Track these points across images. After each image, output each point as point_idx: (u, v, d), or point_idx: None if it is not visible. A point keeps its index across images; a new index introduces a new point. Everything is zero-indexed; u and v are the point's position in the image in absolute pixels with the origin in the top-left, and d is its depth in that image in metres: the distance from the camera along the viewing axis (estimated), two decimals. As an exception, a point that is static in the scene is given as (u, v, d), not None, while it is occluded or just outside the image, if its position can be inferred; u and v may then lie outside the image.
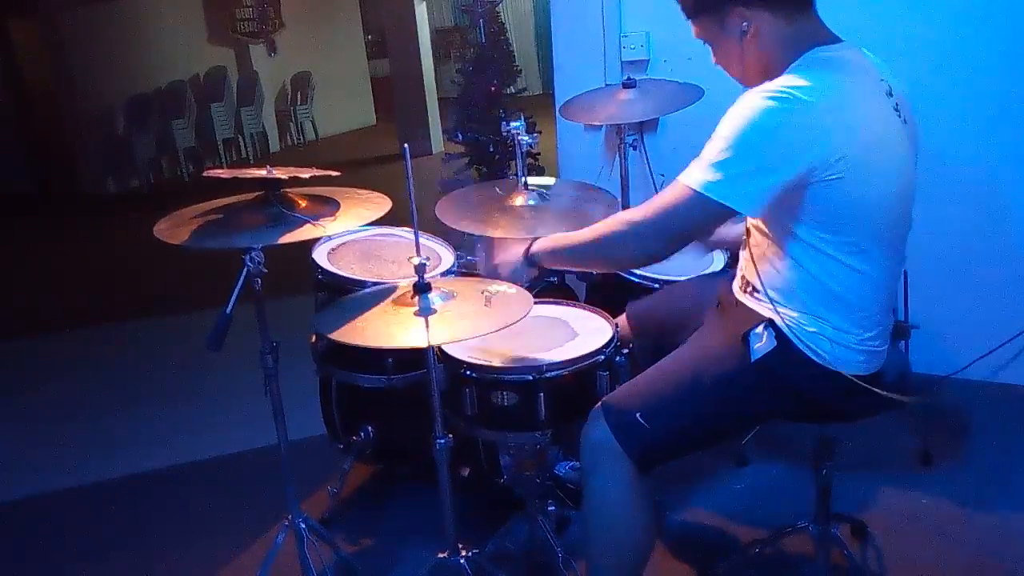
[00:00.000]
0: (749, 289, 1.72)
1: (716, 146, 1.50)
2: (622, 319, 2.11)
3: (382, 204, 1.96)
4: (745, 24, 1.57)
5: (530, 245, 1.81)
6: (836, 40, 1.60)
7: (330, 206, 1.91)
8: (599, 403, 1.73)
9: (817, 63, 1.54)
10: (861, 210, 1.53)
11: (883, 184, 1.55)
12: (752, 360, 1.65)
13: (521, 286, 1.83)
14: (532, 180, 2.30)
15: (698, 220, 1.55)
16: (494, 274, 1.89)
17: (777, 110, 1.46)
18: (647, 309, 2.11)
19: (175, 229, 1.83)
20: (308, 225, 1.81)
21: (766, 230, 1.64)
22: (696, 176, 1.51)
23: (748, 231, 1.73)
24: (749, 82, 1.65)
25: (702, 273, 2.32)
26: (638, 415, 1.65)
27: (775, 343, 1.65)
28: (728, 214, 1.51)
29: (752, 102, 1.48)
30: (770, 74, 1.58)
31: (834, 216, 1.52)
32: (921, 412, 2.78)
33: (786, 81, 1.49)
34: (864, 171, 1.50)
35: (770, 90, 1.48)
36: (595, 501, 1.73)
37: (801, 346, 1.63)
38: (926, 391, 2.87)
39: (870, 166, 1.51)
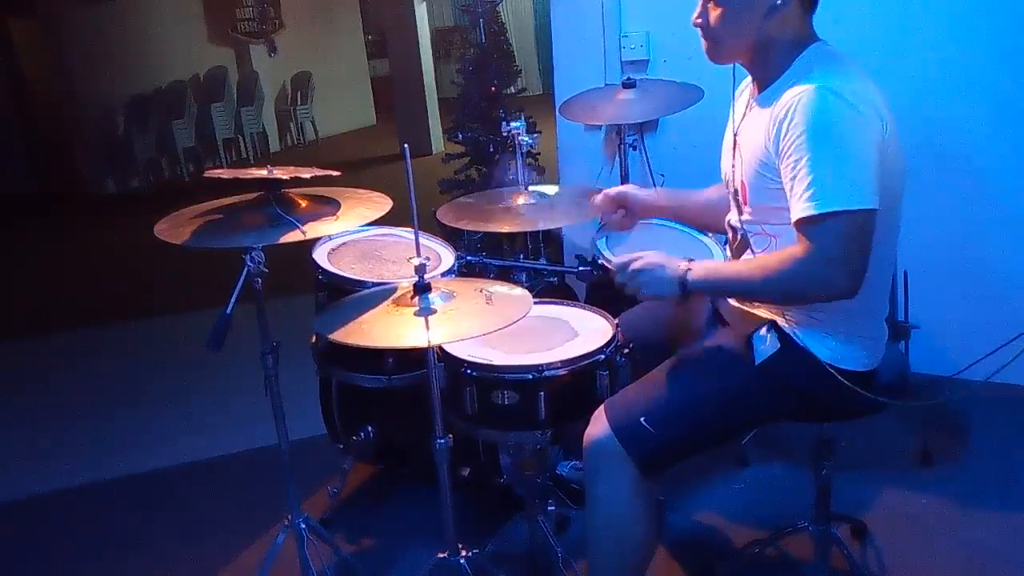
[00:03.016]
0: None
1: (829, 160, 1.45)
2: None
3: (382, 204, 1.96)
4: (780, 1, 1.55)
5: (687, 272, 1.63)
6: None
7: (331, 206, 1.91)
8: (602, 406, 1.73)
9: (834, 59, 1.56)
10: (887, 198, 1.53)
11: (900, 171, 1.58)
12: (757, 363, 1.66)
13: (653, 299, 1.69)
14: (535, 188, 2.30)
15: (868, 236, 1.47)
16: (632, 279, 1.67)
17: (850, 107, 1.46)
18: (639, 318, 2.10)
19: (176, 229, 1.83)
20: (309, 224, 1.81)
21: (772, 233, 1.63)
22: (840, 196, 1.44)
23: (741, 238, 1.72)
24: (726, 57, 1.65)
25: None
26: (643, 420, 1.65)
27: (779, 344, 1.65)
28: (874, 217, 1.47)
29: (826, 107, 1.46)
30: (766, 59, 1.60)
31: None
32: (921, 412, 2.78)
33: (828, 81, 1.49)
34: (892, 158, 1.53)
35: (831, 91, 1.47)
36: (598, 505, 1.72)
37: (805, 345, 1.64)
38: (926, 391, 2.87)
39: (894, 153, 1.54)
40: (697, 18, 1.64)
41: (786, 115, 1.50)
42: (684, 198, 2.01)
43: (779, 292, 1.57)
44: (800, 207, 1.47)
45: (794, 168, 1.49)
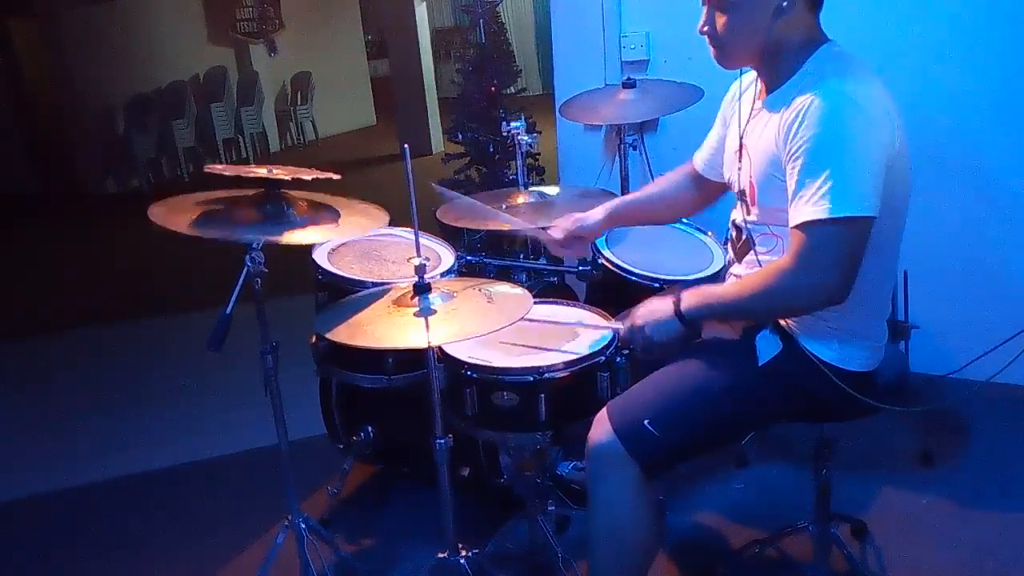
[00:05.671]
0: None
1: (842, 165, 1.45)
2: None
3: (379, 216, 1.97)
4: (786, 2, 1.54)
5: (678, 302, 1.66)
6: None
7: (330, 213, 1.91)
8: (604, 409, 1.72)
9: (846, 61, 1.56)
10: (895, 201, 1.54)
11: (907, 174, 1.58)
12: (760, 364, 1.66)
13: (665, 345, 1.70)
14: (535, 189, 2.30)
15: (864, 243, 1.48)
16: (639, 334, 1.71)
17: (863, 113, 1.46)
18: None
19: (174, 215, 1.81)
20: (308, 228, 1.81)
21: (779, 233, 1.63)
22: (852, 202, 1.44)
23: (746, 237, 1.72)
24: (735, 62, 1.65)
25: (699, 275, 2.32)
26: (647, 422, 1.64)
27: (781, 345, 1.65)
28: (872, 225, 1.48)
29: (839, 112, 1.46)
30: (776, 61, 1.59)
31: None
32: (921, 412, 2.78)
33: (841, 85, 1.49)
34: (901, 161, 1.53)
35: (845, 96, 1.47)
36: (601, 508, 1.72)
37: (808, 346, 1.64)
38: (926, 391, 2.87)
39: (903, 157, 1.54)
40: (703, 26, 1.63)
41: (796, 118, 1.50)
42: (629, 203, 2.05)
43: (775, 303, 1.58)
44: (809, 210, 1.47)
45: (803, 171, 1.48)
